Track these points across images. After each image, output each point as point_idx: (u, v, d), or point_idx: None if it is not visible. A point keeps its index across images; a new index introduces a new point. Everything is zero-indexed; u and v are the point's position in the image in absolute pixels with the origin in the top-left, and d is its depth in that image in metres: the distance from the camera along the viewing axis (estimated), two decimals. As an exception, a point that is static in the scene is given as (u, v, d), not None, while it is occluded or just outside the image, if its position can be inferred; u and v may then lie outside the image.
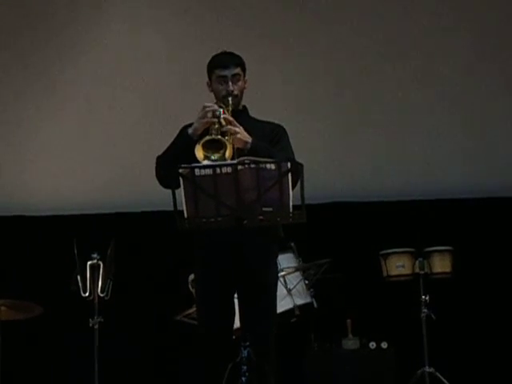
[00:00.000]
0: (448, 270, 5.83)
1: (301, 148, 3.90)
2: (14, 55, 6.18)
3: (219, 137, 3.57)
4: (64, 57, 6.19)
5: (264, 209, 3.34)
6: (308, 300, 5.04)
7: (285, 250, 5.01)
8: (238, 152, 3.61)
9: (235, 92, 3.82)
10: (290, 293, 4.95)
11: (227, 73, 3.82)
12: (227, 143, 3.54)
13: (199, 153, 3.53)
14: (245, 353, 3.49)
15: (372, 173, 6.51)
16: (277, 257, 3.96)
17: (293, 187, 3.33)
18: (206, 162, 3.49)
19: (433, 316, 5.66)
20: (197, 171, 3.30)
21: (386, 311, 6.15)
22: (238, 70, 3.84)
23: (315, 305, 5.06)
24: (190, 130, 3.73)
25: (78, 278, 5.29)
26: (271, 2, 6.16)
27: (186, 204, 3.32)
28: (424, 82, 6.26)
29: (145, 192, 5.15)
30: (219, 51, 3.94)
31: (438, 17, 6.14)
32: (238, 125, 3.66)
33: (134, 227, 6.45)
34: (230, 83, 3.81)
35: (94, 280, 5.30)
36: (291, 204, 3.33)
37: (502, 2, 6.12)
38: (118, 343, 6.07)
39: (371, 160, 6.48)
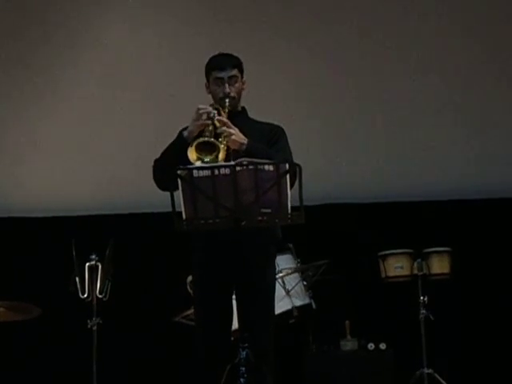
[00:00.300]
0: (446, 271, 5.84)
1: (300, 149, 3.90)
2: (14, 55, 6.17)
3: (212, 139, 3.57)
4: (63, 56, 6.19)
5: (262, 210, 3.34)
6: (306, 301, 5.04)
7: (283, 251, 5.01)
8: (234, 153, 3.61)
9: (232, 94, 3.82)
10: (289, 294, 4.95)
11: (224, 75, 3.82)
12: (220, 145, 3.54)
13: (192, 154, 3.53)
14: (243, 354, 3.48)
15: (371, 174, 6.51)
16: (275, 258, 3.96)
17: (289, 188, 3.33)
18: (198, 163, 3.49)
19: (431, 317, 5.66)
20: (195, 172, 3.30)
21: (384, 312, 6.15)
22: (234, 72, 3.84)
23: (314, 306, 5.07)
24: (185, 133, 3.73)
25: (77, 279, 5.28)
26: (271, 2, 6.16)
27: (185, 205, 3.32)
28: (424, 82, 6.26)
29: (143, 193, 5.13)
30: (219, 52, 3.94)
31: (438, 17, 6.13)
32: (232, 126, 3.66)
33: (132, 228, 6.45)
34: (227, 85, 3.81)
35: (92, 281, 5.30)
36: (289, 205, 3.33)
37: (502, 1, 6.12)
38: (116, 344, 6.07)
39: (370, 161, 6.48)
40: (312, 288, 5.13)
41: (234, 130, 3.65)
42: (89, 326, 5.26)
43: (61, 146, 6.42)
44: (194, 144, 3.55)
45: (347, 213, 6.49)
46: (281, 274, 4.89)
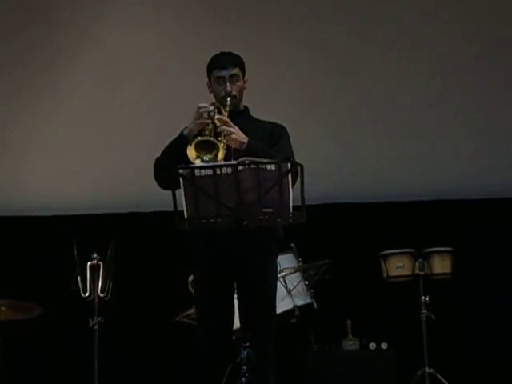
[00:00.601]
0: (448, 270, 5.84)
1: (301, 148, 3.89)
2: (13, 54, 6.17)
3: (211, 138, 3.56)
4: (63, 56, 6.18)
5: (264, 209, 3.34)
6: (308, 301, 5.05)
7: (285, 250, 5.01)
8: (234, 152, 3.61)
9: (233, 93, 3.81)
10: (290, 293, 4.95)
11: (225, 73, 3.82)
12: (219, 144, 3.54)
13: (191, 153, 3.53)
14: (245, 353, 3.48)
15: (372, 174, 6.51)
16: (277, 257, 3.96)
17: (291, 187, 3.32)
18: (198, 162, 3.49)
19: (433, 317, 5.67)
20: (197, 172, 3.29)
21: (385, 312, 6.15)
22: (236, 71, 3.84)
23: (315, 305, 5.07)
24: (185, 131, 3.72)
25: (78, 278, 5.29)
26: (272, 2, 6.16)
27: (186, 204, 3.32)
28: (424, 82, 6.26)
29: (145, 192, 5.13)
30: (219, 51, 3.94)
31: (439, 16, 6.13)
32: (233, 125, 3.65)
33: (133, 228, 6.45)
34: (228, 84, 3.80)
35: (93, 280, 5.31)
36: (291, 204, 3.32)
37: (503, 1, 6.12)
38: (117, 344, 6.08)
39: (371, 161, 6.48)
40: (313, 287, 5.13)
41: (235, 129, 3.64)
42: (90, 325, 5.27)
43: (62, 145, 6.42)
44: (194, 142, 3.55)
45: (349, 212, 6.49)
46: (282, 274, 4.89)
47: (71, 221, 6.51)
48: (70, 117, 6.37)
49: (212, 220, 3.35)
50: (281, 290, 4.50)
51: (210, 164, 3.41)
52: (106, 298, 5.30)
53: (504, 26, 6.12)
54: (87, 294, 5.28)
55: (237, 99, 3.84)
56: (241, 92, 3.86)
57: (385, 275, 5.92)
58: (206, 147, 3.55)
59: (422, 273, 5.79)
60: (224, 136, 3.60)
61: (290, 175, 3.29)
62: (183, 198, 3.31)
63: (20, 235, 6.54)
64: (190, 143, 3.56)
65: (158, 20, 6.22)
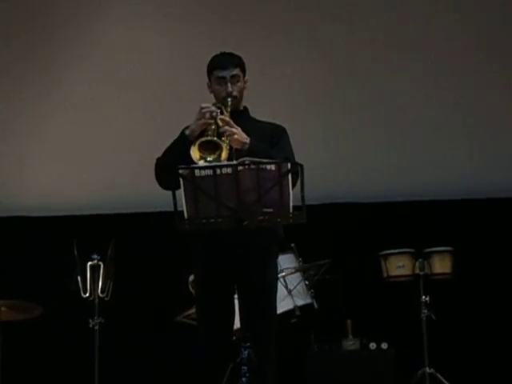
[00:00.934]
0: (448, 270, 5.84)
1: (301, 148, 3.89)
2: (14, 54, 6.18)
3: (215, 138, 3.56)
4: (63, 56, 6.19)
5: (264, 209, 3.34)
6: (308, 301, 5.05)
7: (285, 250, 5.01)
8: (236, 153, 3.61)
9: (234, 93, 3.81)
10: (291, 293, 4.95)
11: (226, 74, 3.81)
12: (223, 145, 3.54)
13: (195, 153, 3.52)
14: (245, 353, 3.48)
15: (372, 173, 6.51)
16: (277, 257, 3.96)
17: (292, 187, 3.33)
18: (201, 163, 3.49)
19: (433, 317, 5.67)
20: (197, 172, 3.29)
21: (386, 312, 6.15)
22: (237, 71, 3.84)
23: (315, 305, 5.07)
24: (187, 131, 3.72)
25: (79, 278, 5.30)
26: (272, 2, 6.16)
27: (187, 205, 3.32)
28: (425, 82, 6.26)
29: (145, 193, 5.14)
30: (220, 51, 3.94)
31: (439, 16, 6.13)
32: (235, 125, 3.66)
33: (134, 228, 6.45)
34: (229, 84, 3.80)
35: (94, 280, 5.31)
36: (291, 205, 3.33)
37: (503, 2, 6.12)
38: (118, 344, 6.08)
39: (371, 161, 6.48)
40: (314, 287, 5.13)
41: (237, 130, 3.65)
42: (90, 326, 5.28)
43: (62, 145, 6.42)
44: (197, 143, 3.55)
45: (349, 212, 6.49)
46: (282, 274, 4.89)
47: (71, 221, 6.51)
48: (71, 117, 6.37)
49: (212, 220, 3.35)
50: (281, 290, 4.50)
51: (210, 164, 3.42)
52: (106, 299, 5.30)
53: (504, 25, 6.12)
54: (87, 295, 5.29)
55: (237, 99, 3.84)
56: (241, 92, 3.86)
57: (385, 275, 5.92)
58: (209, 147, 3.55)
59: (422, 273, 5.78)
60: (227, 136, 3.60)
61: (290, 175, 3.29)
62: (183, 198, 3.31)
63: (21, 235, 6.54)
64: (193, 144, 3.56)
65: (158, 20, 6.22)
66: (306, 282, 5.10)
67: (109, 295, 5.30)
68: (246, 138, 3.66)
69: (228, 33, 5.95)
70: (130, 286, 6.10)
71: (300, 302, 4.98)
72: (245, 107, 3.96)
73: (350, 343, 5.89)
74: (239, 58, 3.89)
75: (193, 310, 4.76)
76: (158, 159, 3.82)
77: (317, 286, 5.18)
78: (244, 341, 3.51)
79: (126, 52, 6.22)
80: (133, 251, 6.24)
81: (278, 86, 6.20)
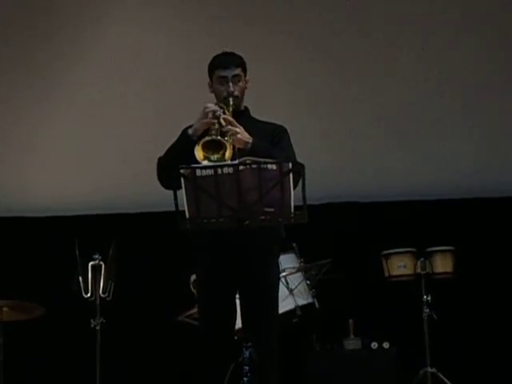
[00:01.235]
0: (450, 270, 5.84)
1: (302, 148, 3.89)
2: (14, 54, 6.17)
3: (218, 137, 3.56)
4: (63, 57, 6.19)
5: (265, 209, 3.34)
6: (310, 300, 5.06)
7: (286, 250, 5.02)
8: (239, 152, 3.61)
9: (236, 93, 3.81)
10: (292, 293, 4.96)
11: (227, 73, 3.82)
12: (227, 144, 3.54)
13: (199, 153, 3.53)
14: (247, 353, 3.50)
15: (374, 173, 6.51)
16: (278, 257, 3.96)
17: (293, 187, 3.33)
18: (205, 163, 3.49)
19: (434, 316, 5.67)
20: (198, 172, 3.29)
21: (387, 311, 6.15)
22: (238, 71, 3.84)
23: (317, 305, 5.07)
24: (190, 131, 3.73)
25: (80, 278, 5.29)
26: (272, 2, 6.16)
27: (188, 205, 3.32)
28: (425, 81, 6.26)
29: (146, 193, 5.14)
30: (220, 51, 3.94)
31: (439, 16, 6.13)
32: (238, 125, 3.66)
33: (135, 228, 6.45)
34: (231, 84, 3.81)
35: (95, 281, 5.31)
36: (292, 204, 3.33)
37: (503, 2, 6.12)
38: (119, 344, 6.08)
39: (373, 160, 6.48)
40: (315, 287, 5.13)
41: (240, 129, 3.65)
42: (92, 326, 5.27)
43: (62, 145, 6.42)
44: (201, 143, 3.55)
45: (350, 212, 6.49)
46: (284, 274, 4.90)
47: (73, 221, 6.51)
48: (71, 117, 6.37)
49: (213, 220, 3.35)
50: (282, 289, 4.49)
51: (211, 164, 3.42)
52: (107, 299, 5.30)
53: (505, 25, 6.12)
54: (89, 295, 5.28)
55: (239, 99, 3.85)
56: (242, 92, 3.87)
57: (386, 274, 5.92)
58: (213, 147, 3.55)
59: (423, 272, 5.78)
60: (230, 136, 3.60)
61: (291, 175, 3.30)
62: (185, 198, 3.31)
63: (22, 236, 6.54)
64: (197, 143, 3.57)
65: (158, 20, 6.22)
66: (308, 282, 5.11)
67: (110, 295, 5.29)
68: (248, 138, 3.66)
69: (228, 33, 5.95)
70: (132, 286, 6.10)
71: (301, 302, 4.98)
72: (246, 107, 3.96)
73: (352, 343, 5.89)
74: (240, 57, 3.89)
75: (195, 310, 4.76)
76: (160, 159, 3.83)
77: (318, 285, 5.18)
78: (246, 340, 3.53)
79: (126, 52, 6.22)
80: (134, 251, 6.24)
81: (278, 85, 6.19)
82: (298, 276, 5.07)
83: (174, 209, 3.30)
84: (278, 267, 3.99)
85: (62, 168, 6.49)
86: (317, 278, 5.20)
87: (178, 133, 3.84)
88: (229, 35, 5.83)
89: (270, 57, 6.08)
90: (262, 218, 3.37)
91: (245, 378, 3.47)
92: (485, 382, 6.09)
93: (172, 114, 5.81)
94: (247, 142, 3.65)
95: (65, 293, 5.50)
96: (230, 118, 3.67)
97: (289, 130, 3.91)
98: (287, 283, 4.95)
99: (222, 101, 3.79)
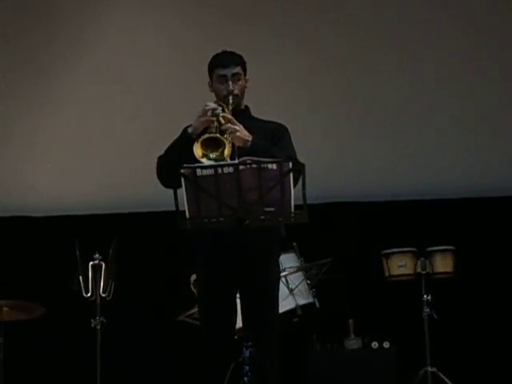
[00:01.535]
0: (450, 269, 5.84)
1: (302, 148, 3.89)
2: (15, 54, 6.18)
3: (217, 135, 3.56)
4: (63, 57, 6.19)
5: (266, 209, 3.34)
6: (310, 300, 5.05)
7: (287, 249, 5.01)
8: (238, 151, 3.61)
9: (236, 91, 3.81)
10: (292, 293, 4.96)
11: (227, 72, 3.82)
12: (226, 141, 3.54)
13: (198, 151, 3.53)
14: (247, 353, 3.49)
15: (373, 173, 6.51)
16: (279, 257, 3.96)
17: (293, 185, 3.33)
18: (204, 160, 3.49)
19: (435, 316, 5.67)
20: (198, 171, 3.29)
21: (387, 311, 6.15)
22: (238, 69, 3.84)
23: (317, 305, 5.07)
24: (189, 129, 3.73)
25: (80, 278, 5.29)
26: (272, 2, 6.16)
27: (188, 204, 3.32)
28: (425, 81, 6.26)
29: (146, 192, 5.15)
30: (220, 50, 3.94)
31: (439, 16, 6.13)
32: (237, 123, 3.66)
33: (135, 227, 6.46)
34: (231, 82, 3.80)
35: (95, 280, 5.31)
36: (293, 204, 3.33)
37: (503, 2, 6.12)
38: (120, 344, 6.08)
39: (373, 160, 6.48)
40: (315, 287, 5.13)
41: (239, 127, 3.65)
42: (92, 325, 5.27)
43: (63, 145, 6.42)
44: (200, 140, 3.55)
45: (350, 212, 6.49)
46: (284, 273, 4.90)
47: (73, 221, 6.51)
48: (71, 117, 6.37)
49: (214, 220, 3.35)
50: (283, 289, 4.50)
51: (212, 164, 3.42)
52: (108, 298, 5.30)
53: (505, 26, 6.12)
54: (89, 294, 5.29)
55: (238, 98, 3.84)
56: (242, 91, 3.87)
57: (387, 274, 5.92)
58: (212, 145, 3.56)
59: (423, 272, 5.78)
60: (229, 134, 3.60)
61: (291, 174, 3.29)
62: (185, 197, 3.31)
63: (22, 235, 6.54)
64: (196, 140, 3.57)
65: (158, 20, 6.22)
66: (308, 282, 5.10)
67: (111, 295, 5.29)
68: (248, 136, 3.66)
69: (228, 32, 5.95)
70: (132, 286, 6.11)
71: (302, 302, 4.98)
72: (246, 106, 3.96)
73: (352, 342, 5.89)
74: (240, 56, 3.89)
75: (195, 310, 4.77)
76: (160, 157, 3.82)
77: (318, 285, 5.18)
78: (246, 340, 3.52)
79: (126, 52, 6.22)
80: (135, 251, 6.24)
81: (279, 85, 6.19)
82: (299, 275, 5.07)
83: (174, 208, 3.30)
84: (279, 267, 3.99)
85: (62, 168, 6.49)
86: (317, 278, 5.20)
87: (178, 133, 3.83)
88: (229, 35, 5.83)
89: (270, 57, 6.08)
90: (262, 217, 3.36)
91: (245, 378, 3.46)
92: (485, 382, 6.09)
93: (172, 113, 5.81)
94: (246, 140, 3.65)
95: (65, 293, 5.50)
96: (229, 116, 3.67)
97: (290, 129, 3.91)
98: (287, 283, 4.95)
99: (221, 99, 3.79)
